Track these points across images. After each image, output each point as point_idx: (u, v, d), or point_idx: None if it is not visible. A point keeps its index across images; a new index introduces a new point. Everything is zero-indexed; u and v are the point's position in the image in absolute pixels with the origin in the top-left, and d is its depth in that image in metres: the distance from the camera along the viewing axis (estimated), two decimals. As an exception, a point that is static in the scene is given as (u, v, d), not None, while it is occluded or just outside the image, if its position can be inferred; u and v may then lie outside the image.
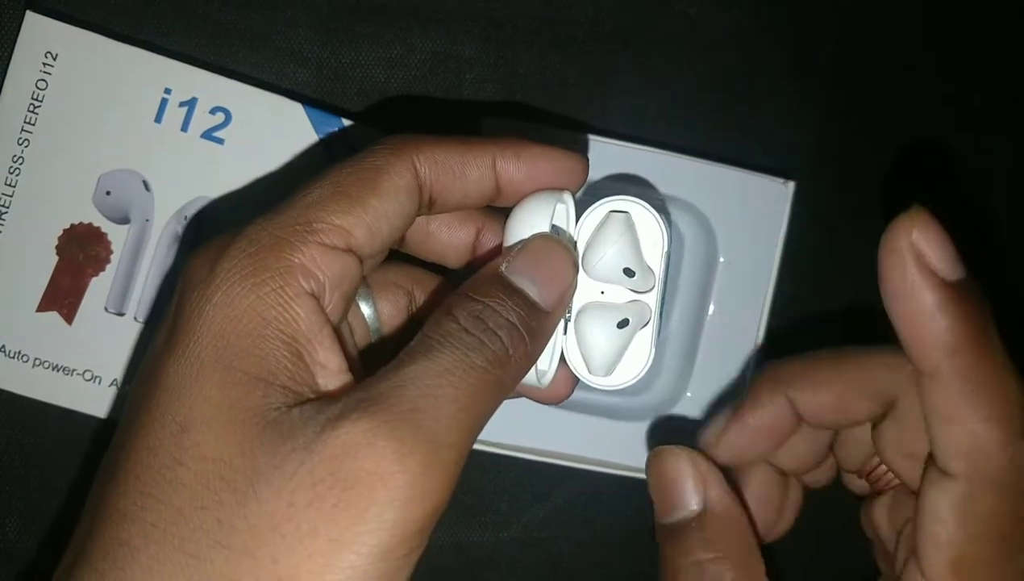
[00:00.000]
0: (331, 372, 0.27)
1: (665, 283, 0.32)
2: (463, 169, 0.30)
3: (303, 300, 0.26)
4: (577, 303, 0.32)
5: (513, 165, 0.30)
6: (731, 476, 0.34)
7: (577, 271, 0.31)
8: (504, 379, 0.27)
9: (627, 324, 0.31)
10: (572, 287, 0.30)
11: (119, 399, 0.39)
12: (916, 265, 0.28)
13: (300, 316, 0.26)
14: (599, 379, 0.32)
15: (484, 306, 0.27)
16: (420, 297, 0.34)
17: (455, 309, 0.27)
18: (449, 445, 0.24)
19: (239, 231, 0.27)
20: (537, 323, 0.28)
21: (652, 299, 0.32)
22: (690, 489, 0.32)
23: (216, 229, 0.39)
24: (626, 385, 0.32)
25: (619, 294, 0.32)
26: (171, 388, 0.25)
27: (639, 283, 0.32)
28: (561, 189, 0.31)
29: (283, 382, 0.25)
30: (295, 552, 0.23)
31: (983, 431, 0.28)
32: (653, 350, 0.32)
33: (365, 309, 0.33)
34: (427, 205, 0.30)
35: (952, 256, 0.29)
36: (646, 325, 0.32)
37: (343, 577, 0.23)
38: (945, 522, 0.28)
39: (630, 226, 0.32)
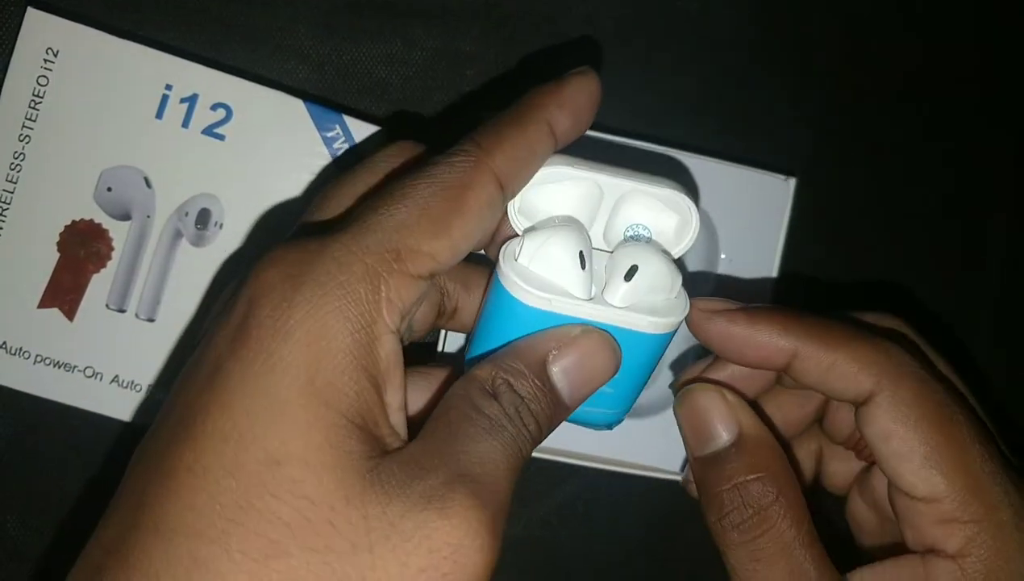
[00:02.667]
0: (394, 410, 0.27)
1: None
2: (532, 156, 0.30)
3: (388, 339, 0.27)
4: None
5: (565, 118, 0.30)
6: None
7: (618, 370, 0.30)
8: (527, 455, 0.29)
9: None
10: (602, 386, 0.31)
11: (147, 403, 0.39)
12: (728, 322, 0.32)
13: (383, 356, 0.27)
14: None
15: (523, 402, 0.28)
16: (451, 287, 0.34)
17: (501, 397, 0.28)
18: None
19: (321, 246, 0.27)
20: (557, 418, 0.30)
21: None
22: (724, 419, 0.32)
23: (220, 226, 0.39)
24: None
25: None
26: (251, 410, 0.25)
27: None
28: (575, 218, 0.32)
29: (371, 428, 0.26)
30: None
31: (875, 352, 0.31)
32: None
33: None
34: None
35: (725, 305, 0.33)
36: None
37: None
38: (893, 431, 0.30)
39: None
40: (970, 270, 0.48)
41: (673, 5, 0.45)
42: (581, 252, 0.30)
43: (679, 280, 0.31)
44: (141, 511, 0.25)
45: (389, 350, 0.27)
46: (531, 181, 0.31)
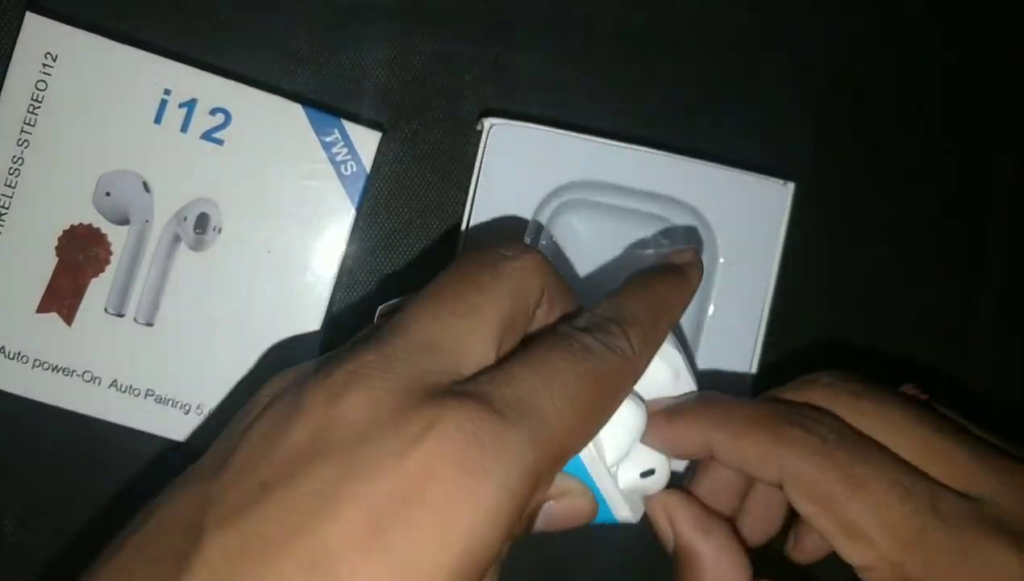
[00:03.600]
0: None
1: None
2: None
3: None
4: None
5: (680, 314, 0.34)
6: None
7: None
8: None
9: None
10: None
11: (145, 408, 0.39)
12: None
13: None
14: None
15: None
16: None
17: None
18: None
19: (502, 439, 0.26)
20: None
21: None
22: (662, 528, 0.34)
23: (218, 230, 0.39)
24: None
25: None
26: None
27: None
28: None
29: None
30: None
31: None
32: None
33: None
34: None
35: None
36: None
37: None
38: (808, 513, 0.31)
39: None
40: (970, 270, 0.48)
41: (673, 7, 0.45)
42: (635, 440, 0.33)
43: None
44: None
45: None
46: None
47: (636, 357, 0.30)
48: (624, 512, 0.33)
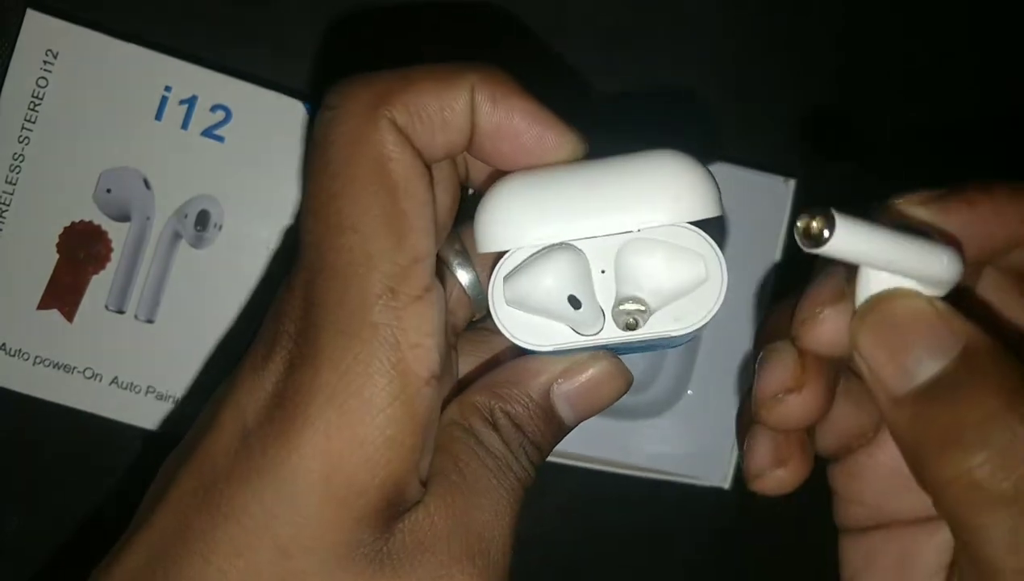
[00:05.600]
0: (424, 463, 0.26)
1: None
2: (442, 114, 0.25)
3: (423, 394, 0.24)
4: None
5: (488, 109, 0.25)
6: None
7: (627, 390, 0.28)
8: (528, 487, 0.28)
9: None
10: None
11: (146, 405, 0.39)
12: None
13: (420, 414, 0.24)
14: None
15: (526, 437, 0.27)
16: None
17: (501, 429, 0.27)
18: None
19: (322, 319, 0.24)
20: (558, 440, 0.28)
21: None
22: (940, 333, 0.22)
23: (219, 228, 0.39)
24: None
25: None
26: (265, 499, 0.24)
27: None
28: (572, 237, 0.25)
29: (391, 500, 0.25)
30: None
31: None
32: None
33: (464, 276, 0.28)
34: None
35: None
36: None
37: None
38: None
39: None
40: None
41: (672, 5, 0.45)
42: (571, 296, 0.25)
43: (707, 262, 0.26)
44: (158, 562, 0.25)
45: (426, 406, 0.25)
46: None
47: (377, 98, 0.25)
48: (672, 327, 0.25)
